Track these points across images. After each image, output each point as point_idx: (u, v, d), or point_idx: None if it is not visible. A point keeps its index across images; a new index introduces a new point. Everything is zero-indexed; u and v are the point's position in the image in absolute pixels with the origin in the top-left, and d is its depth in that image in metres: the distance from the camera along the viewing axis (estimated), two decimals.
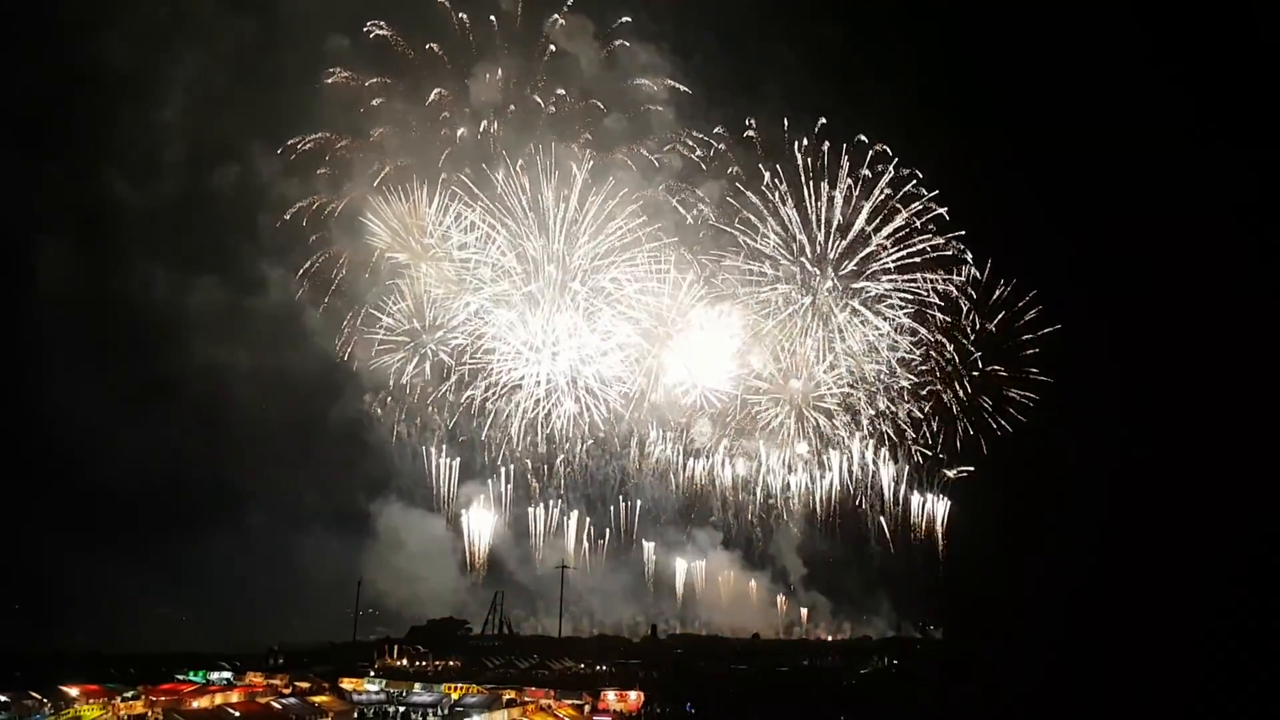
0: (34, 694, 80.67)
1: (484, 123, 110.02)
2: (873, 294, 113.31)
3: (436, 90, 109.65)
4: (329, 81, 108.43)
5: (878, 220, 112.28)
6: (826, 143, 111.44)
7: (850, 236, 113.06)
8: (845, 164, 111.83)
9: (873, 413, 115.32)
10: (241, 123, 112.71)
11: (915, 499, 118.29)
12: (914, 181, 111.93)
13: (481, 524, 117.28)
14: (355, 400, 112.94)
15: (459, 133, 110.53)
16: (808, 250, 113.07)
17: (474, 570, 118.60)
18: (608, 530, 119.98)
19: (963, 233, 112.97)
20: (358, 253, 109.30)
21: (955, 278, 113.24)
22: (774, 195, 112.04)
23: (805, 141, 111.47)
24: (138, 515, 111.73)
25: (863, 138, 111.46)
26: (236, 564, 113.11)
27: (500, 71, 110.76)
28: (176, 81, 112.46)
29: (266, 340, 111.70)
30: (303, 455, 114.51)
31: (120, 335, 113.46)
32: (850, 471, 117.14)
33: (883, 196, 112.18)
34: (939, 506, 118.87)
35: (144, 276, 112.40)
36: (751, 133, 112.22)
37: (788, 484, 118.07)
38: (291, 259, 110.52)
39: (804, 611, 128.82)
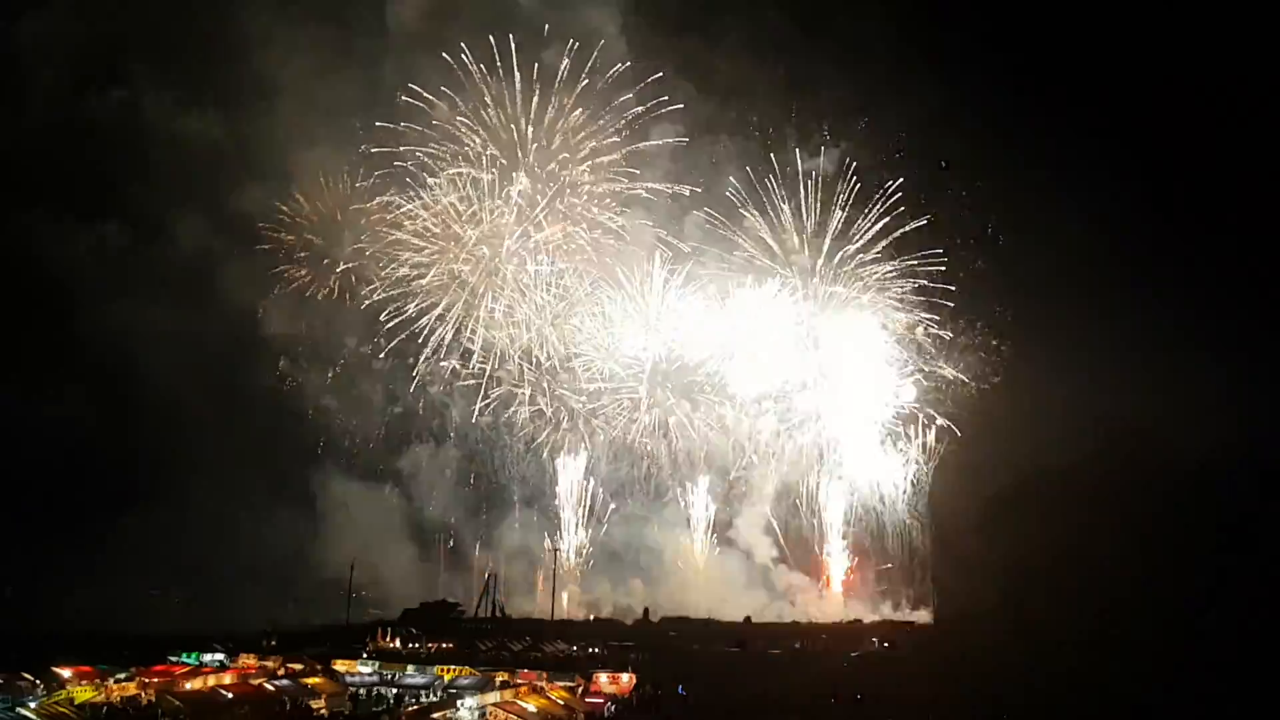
0: (26, 675, 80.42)
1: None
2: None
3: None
4: None
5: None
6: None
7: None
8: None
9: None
10: (123, 40, 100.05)
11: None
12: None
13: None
14: (273, 364, 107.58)
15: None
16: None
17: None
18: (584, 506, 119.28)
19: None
20: (269, 192, 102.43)
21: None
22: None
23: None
24: (61, 499, 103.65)
25: None
26: (185, 546, 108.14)
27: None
28: None
29: (175, 297, 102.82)
30: (228, 425, 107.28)
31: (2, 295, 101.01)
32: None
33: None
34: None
35: (22, 224, 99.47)
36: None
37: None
38: (196, 203, 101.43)
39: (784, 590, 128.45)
